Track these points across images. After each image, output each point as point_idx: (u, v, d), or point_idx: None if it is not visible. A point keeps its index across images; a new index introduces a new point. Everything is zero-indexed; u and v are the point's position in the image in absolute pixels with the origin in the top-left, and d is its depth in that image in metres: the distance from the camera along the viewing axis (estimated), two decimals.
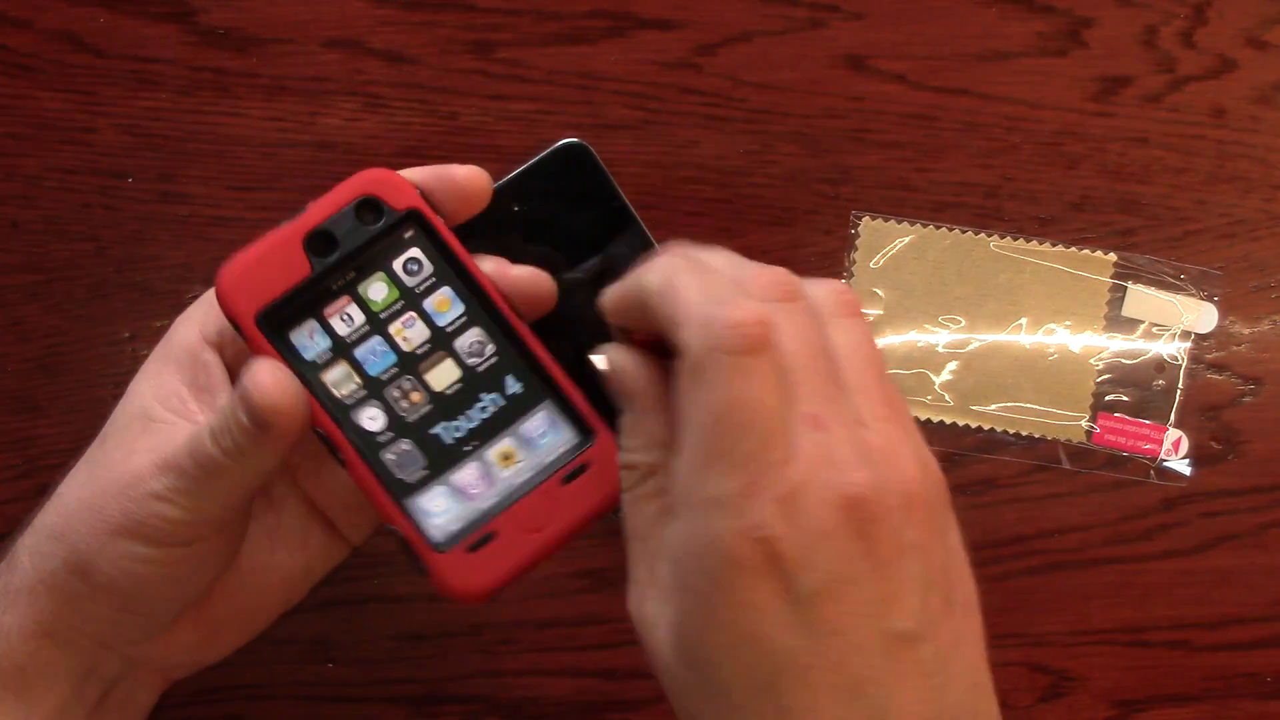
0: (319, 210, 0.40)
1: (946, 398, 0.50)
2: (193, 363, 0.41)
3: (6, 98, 0.49)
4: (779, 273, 0.36)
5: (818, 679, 0.33)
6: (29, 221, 0.49)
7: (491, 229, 0.48)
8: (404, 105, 0.49)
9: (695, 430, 0.33)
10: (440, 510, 0.40)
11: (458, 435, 0.40)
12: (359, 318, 0.40)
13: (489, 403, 0.41)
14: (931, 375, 0.50)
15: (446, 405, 0.40)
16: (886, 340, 0.50)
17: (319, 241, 0.39)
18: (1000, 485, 0.50)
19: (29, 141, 0.49)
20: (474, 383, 0.41)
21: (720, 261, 0.37)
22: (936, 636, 0.35)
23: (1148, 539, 0.50)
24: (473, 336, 0.41)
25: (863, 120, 0.50)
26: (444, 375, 0.41)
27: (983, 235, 0.50)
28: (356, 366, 0.40)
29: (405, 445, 0.40)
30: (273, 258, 0.39)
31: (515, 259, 0.42)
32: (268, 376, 0.37)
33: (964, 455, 0.50)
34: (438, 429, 0.40)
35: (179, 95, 0.49)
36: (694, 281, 0.35)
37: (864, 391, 0.35)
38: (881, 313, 0.50)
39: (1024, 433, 0.50)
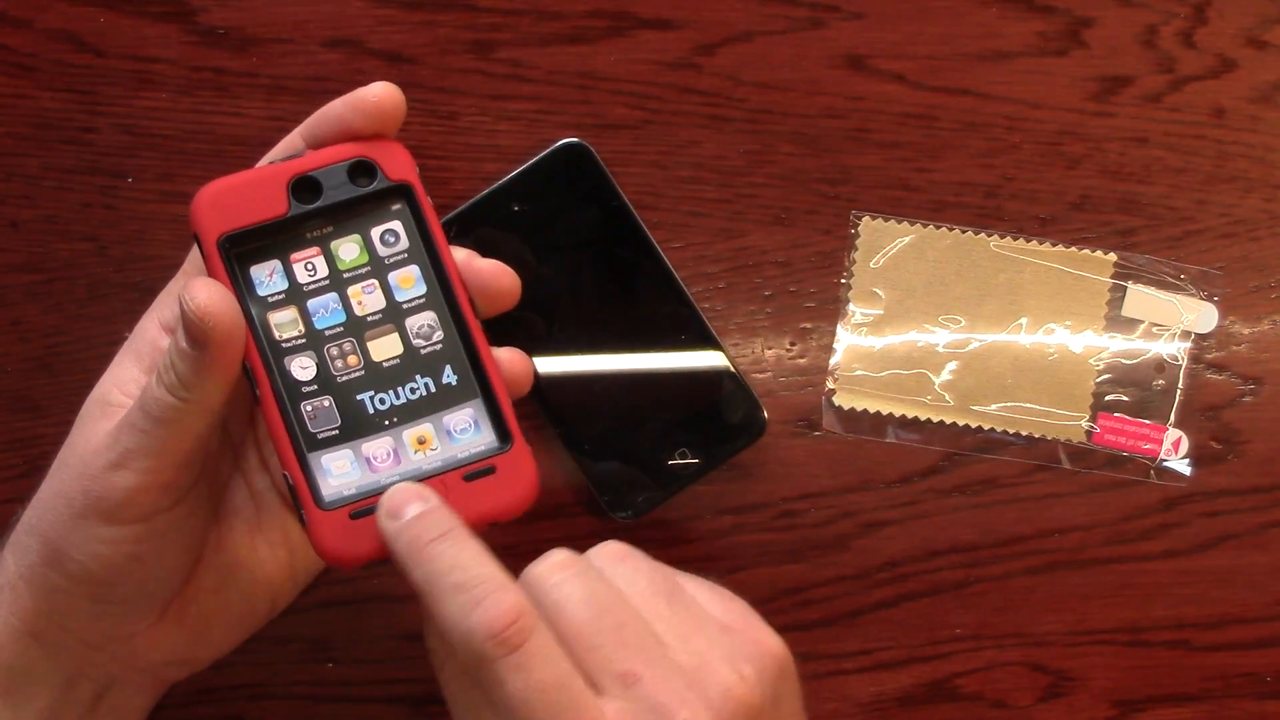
0: (315, 158, 0.40)
1: (946, 398, 0.50)
2: (151, 349, 0.42)
3: (6, 97, 0.49)
4: (549, 560, 0.37)
5: None
6: (29, 221, 0.49)
7: (491, 229, 0.48)
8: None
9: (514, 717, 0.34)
10: (340, 472, 0.40)
11: (380, 407, 0.41)
12: (322, 271, 0.41)
13: (421, 385, 0.41)
14: (931, 375, 0.50)
15: (379, 376, 0.41)
16: (886, 340, 0.50)
17: (305, 187, 0.40)
18: (1000, 485, 0.50)
19: (29, 141, 0.49)
20: (413, 363, 0.41)
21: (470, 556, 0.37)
22: None
23: (1148, 539, 0.50)
24: (425, 320, 0.41)
25: (862, 120, 0.50)
26: (386, 347, 0.41)
27: (983, 235, 0.50)
28: (305, 316, 0.41)
29: (325, 402, 0.41)
30: (255, 189, 0.40)
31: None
32: (201, 290, 0.38)
33: (964, 455, 0.50)
34: (363, 396, 0.41)
35: (179, 95, 0.49)
36: (449, 580, 0.35)
37: (661, 619, 0.37)
38: (881, 313, 0.50)
39: (1024, 433, 0.50)
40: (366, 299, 0.41)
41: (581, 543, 0.50)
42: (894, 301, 0.50)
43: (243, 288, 0.40)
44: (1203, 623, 0.51)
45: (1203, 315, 0.50)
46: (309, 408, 0.40)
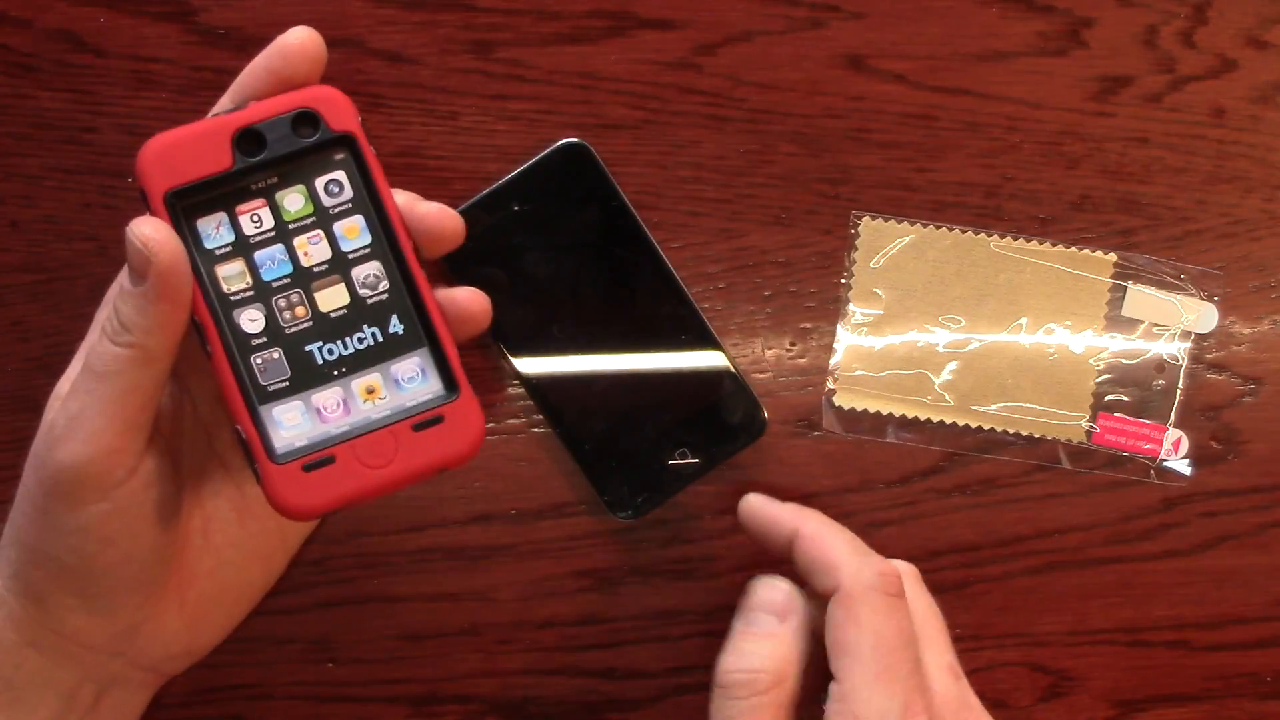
0: (257, 110, 0.40)
1: (946, 398, 0.50)
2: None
3: (6, 97, 0.49)
4: (892, 564, 0.44)
5: None
6: (29, 221, 0.49)
7: (491, 229, 0.48)
8: (404, 105, 0.49)
9: (859, 653, 0.39)
10: (291, 424, 0.41)
11: (329, 358, 0.41)
12: (268, 222, 0.41)
13: (369, 335, 0.41)
14: (931, 375, 0.50)
15: (327, 327, 0.41)
16: (886, 340, 0.50)
17: (249, 140, 0.40)
18: (1000, 485, 0.50)
19: (29, 141, 0.49)
20: (360, 313, 0.41)
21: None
22: None
23: (1148, 539, 0.50)
24: (370, 269, 0.42)
25: (863, 120, 0.50)
26: (333, 298, 0.41)
27: (983, 235, 0.50)
28: (252, 268, 0.41)
29: (275, 354, 0.41)
30: (199, 144, 0.40)
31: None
32: (145, 224, 0.38)
33: (964, 455, 0.50)
34: (312, 347, 0.41)
35: (179, 95, 0.49)
36: (842, 536, 0.43)
37: (934, 663, 0.42)
38: (881, 313, 0.50)
39: (1024, 433, 0.50)
40: (313, 250, 0.41)
41: (581, 542, 0.50)
42: (894, 301, 0.50)
43: (189, 241, 0.40)
44: (1203, 623, 0.51)
45: (1203, 315, 0.50)
46: (259, 360, 0.41)
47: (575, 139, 0.49)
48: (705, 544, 0.50)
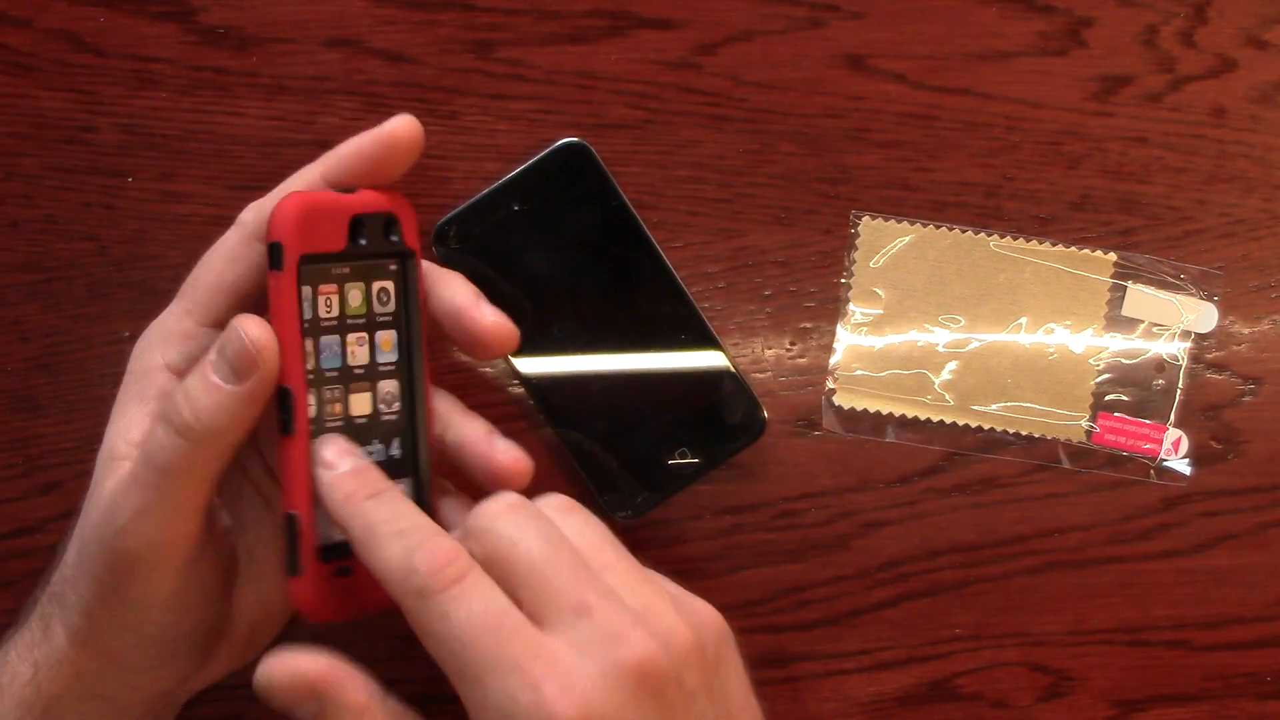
0: (367, 200, 0.40)
1: (946, 398, 0.50)
2: (158, 393, 0.41)
3: (6, 97, 0.49)
4: (498, 503, 0.38)
5: None
6: (29, 221, 0.49)
7: (491, 229, 0.48)
8: (404, 105, 0.49)
9: (458, 652, 0.35)
10: (325, 521, 0.39)
11: (373, 458, 0.41)
12: (334, 310, 0.40)
13: (377, 450, 0.41)
14: (931, 375, 0.50)
15: (351, 431, 0.41)
16: (886, 340, 0.50)
17: (357, 227, 0.40)
18: (1000, 485, 0.50)
19: (29, 141, 0.49)
20: (373, 426, 0.41)
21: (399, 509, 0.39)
22: None
23: (1148, 539, 0.50)
24: (390, 386, 0.41)
25: (863, 120, 0.50)
26: (361, 403, 0.41)
27: (983, 235, 0.50)
28: (316, 351, 0.40)
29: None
30: (327, 217, 0.39)
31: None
32: (254, 325, 0.38)
33: (964, 455, 0.50)
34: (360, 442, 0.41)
35: (179, 95, 0.49)
36: (390, 529, 0.37)
37: (609, 569, 0.38)
38: (881, 312, 0.50)
39: (1024, 433, 0.50)
40: (358, 350, 0.41)
41: None
42: (894, 301, 0.50)
43: (301, 307, 0.39)
44: (1203, 623, 0.51)
45: (1203, 315, 0.50)
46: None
47: (575, 139, 0.49)
48: (705, 544, 0.50)
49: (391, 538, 0.36)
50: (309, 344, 0.40)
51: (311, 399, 0.39)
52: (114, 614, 0.39)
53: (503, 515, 0.37)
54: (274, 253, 0.39)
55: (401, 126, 0.41)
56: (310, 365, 0.40)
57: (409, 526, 0.37)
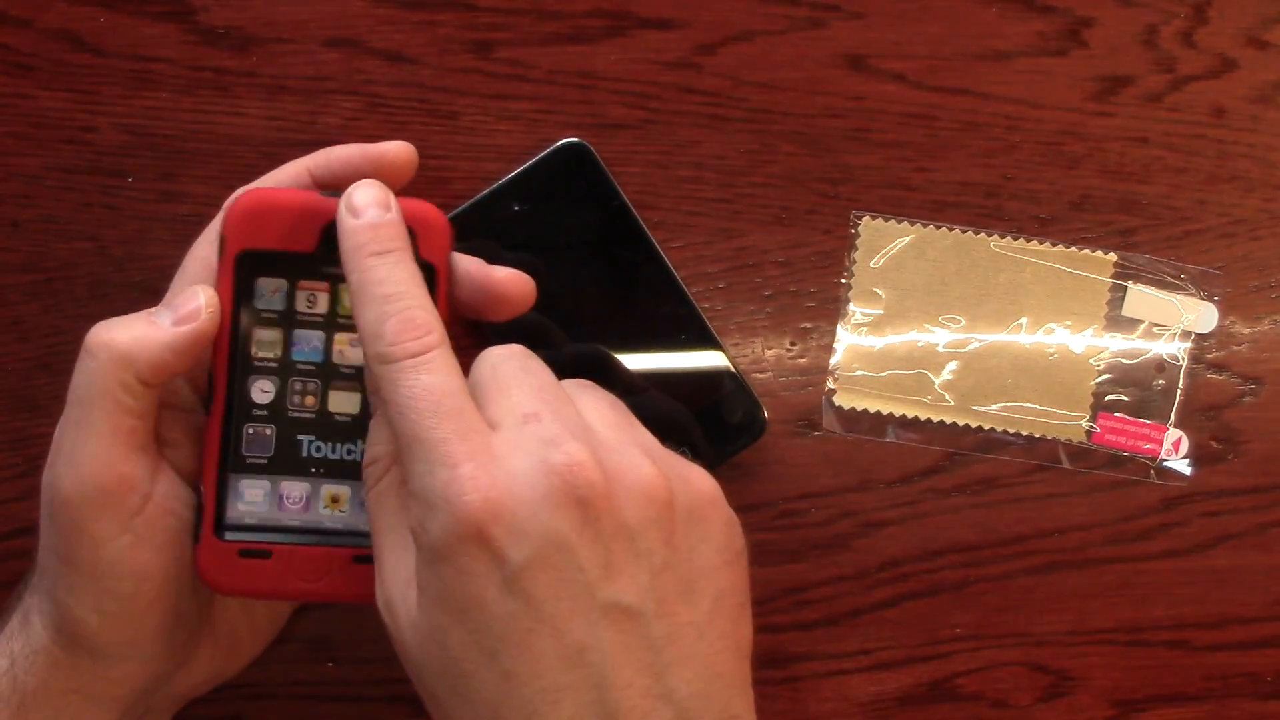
0: None
1: (946, 398, 0.50)
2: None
3: (6, 97, 0.49)
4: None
5: (539, 644, 0.34)
6: (29, 221, 0.49)
7: (491, 229, 0.48)
8: (404, 105, 0.49)
9: (399, 423, 0.35)
10: (250, 500, 0.41)
11: (314, 454, 0.41)
12: (321, 307, 0.41)
13: (358, 452, 0.41)
14: (931, 375, 0.50)
15: (327, 426, 0.41)
16: (887, 340, 0.50)
17: (335, 233, 0.40)
18: (1000, 485, 0.50)
19: (29, 141, 0.49)
20: (360, 427, 0.41)
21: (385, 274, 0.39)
22: (669, 617, 0.35)
23: (1148, 539, 0.50)
24: None
25: (863, 120, 0.50)
26: (345, 402, 0.41)
27: (983, 235, 0.50)
28: (287, 343, 0.41)
29: (268, 430, 0.41)
30: (291, 217, 0.40)
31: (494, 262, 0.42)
32: (209, 289, 0.40)
33: (964, 455, 0.50)
34: (304, 438, 0.41)
35: (179, 95, 0.49)
36: (379, 290, 0.37)
37: (605, 423, 0.37)
38: (881, 312, 0.50)
39: (1024, 433, 0.50)
40: (348, 351, 0.41)
41: None
42: (894, 301, 0.50)
43: (241, 297, 0.40)
44: (1203, 623, 0.51)
45: (1203, 315, 0.50)
46: (250, 430, 0.41)
47: (575, 139, 0.49)
48: None
49: (376, 300, 0.37)
50: (277, 334, 0.41)
51: (264, 387, 0.41)
52: (74, 586, 0.39)
53: (498, 352, 0.38)
54: (220, 243, 0.40)
55: (393, 150, 0.42)
56: (267, 354, 0.41)
57: (395, 293, 0.37)
